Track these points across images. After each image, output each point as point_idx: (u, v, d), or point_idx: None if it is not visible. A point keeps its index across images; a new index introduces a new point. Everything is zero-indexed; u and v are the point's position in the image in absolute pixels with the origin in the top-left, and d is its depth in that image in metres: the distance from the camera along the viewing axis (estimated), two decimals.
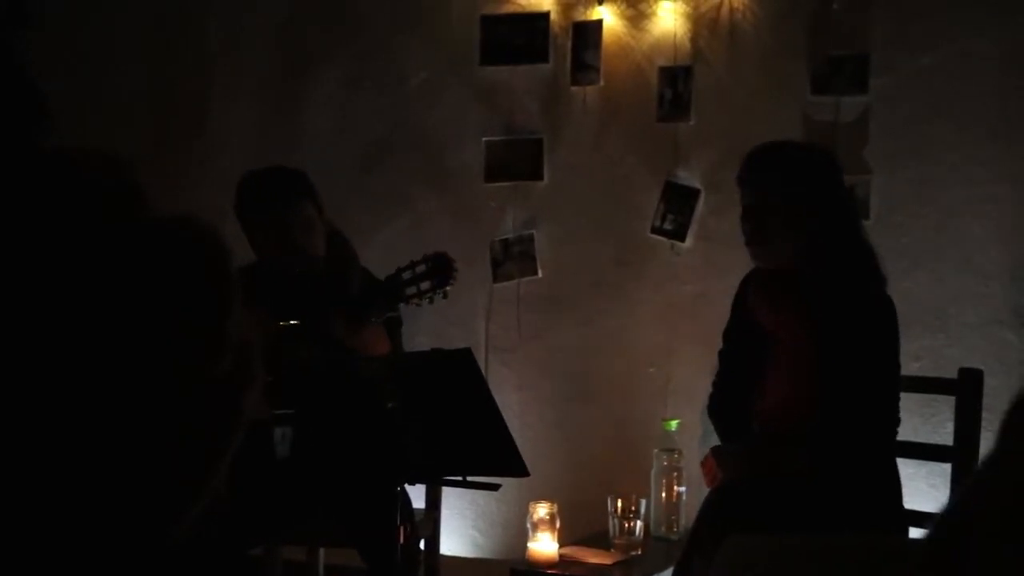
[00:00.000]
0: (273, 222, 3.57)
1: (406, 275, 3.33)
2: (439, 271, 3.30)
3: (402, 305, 3.48)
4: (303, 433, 3.22)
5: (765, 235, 3.43)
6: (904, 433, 3.57)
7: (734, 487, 3.41)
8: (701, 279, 4.39)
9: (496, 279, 4.71)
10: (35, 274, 0.73)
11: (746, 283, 3.62)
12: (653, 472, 4.17)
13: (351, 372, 3.26)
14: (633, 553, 3.86)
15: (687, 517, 3.98)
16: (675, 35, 4.48)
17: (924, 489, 3.96)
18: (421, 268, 3.32)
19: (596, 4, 4.57)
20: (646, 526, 3.97)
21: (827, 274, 3.37)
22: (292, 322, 3.43)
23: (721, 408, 3.63)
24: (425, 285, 3.30)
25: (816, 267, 3.38)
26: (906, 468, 3.52)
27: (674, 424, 4.21)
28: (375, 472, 3.24)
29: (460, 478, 3.09)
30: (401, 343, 3.83)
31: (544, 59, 4.65)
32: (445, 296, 3.33)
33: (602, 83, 4.57)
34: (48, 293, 0.73)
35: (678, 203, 4.50)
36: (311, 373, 3.26)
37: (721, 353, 3.65)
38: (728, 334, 3.63)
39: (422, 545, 3.98)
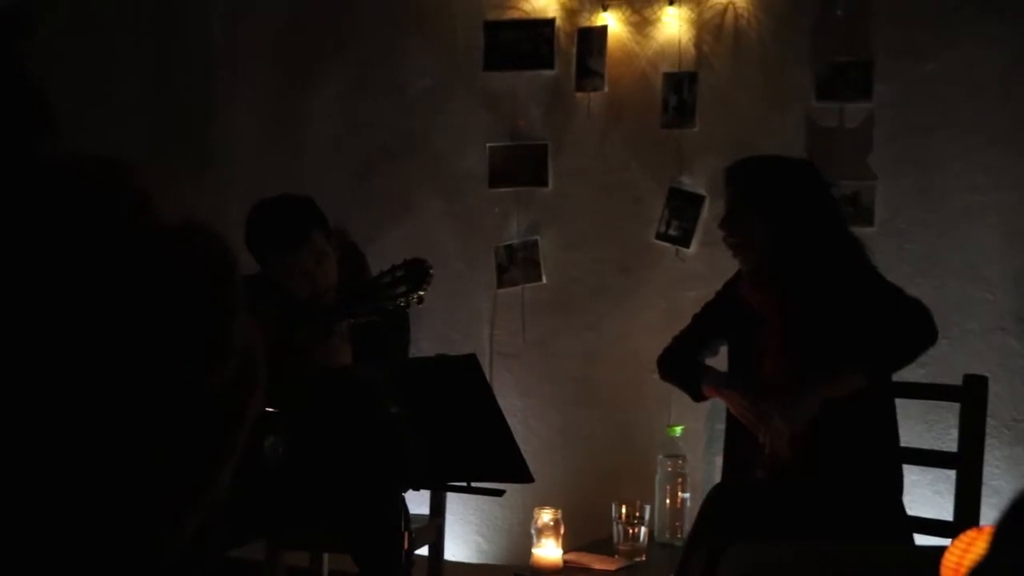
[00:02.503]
0: (284, 259, 3.62)
1: (385, 279, 3.38)
2: (414, 276, 3.34)
3: (391, 309, 3.51)
4: (305, 437, 3.23)
5: (738, 240, 3.53)
6: (908, 440, 3.57)
7: (733, 490, 3.42)
8: (706, 285, 4.38)
9: (500, 285, 4.72)
10: (41, 280, 0.73)
11: (731, 285, 3.69)
12: (657, 478, 4.16)
13: (355, 378, 3.26)
14: (637, 559, 3.86)
15: (691, 523, 3.97)
16: (679, 41, 4.48)
17: (928, 496, 3.96)
18: (399, 272, 3.36)
19: (601, 10, 4.57)
20: (650, 532, 3.97)
21: (813, 263, 3.44)
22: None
23: (673, 359, 3.75)
24: (401, 289, 3.34)
25: (801, 260, 3.45)
26: (910, 475, 3.52)
27: (678, 430, 4.21)
28: (378, 478, 3.24)
29: (464, 484, 3.09)
30: (406, 350, 3.85)
31: (548, 65, 4.65)
32: (420, 301, 3.36)
33: (606, 89, 4.58)
34: (53, 299, 0.73)
35: (683, 209, 4.50)
36: (314, 377, 3.27)
37: (695, 315, 3.75)
38: (708, 305, 3.73)
39: (425, 551, 3.98)
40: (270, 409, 3.05)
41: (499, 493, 3.10)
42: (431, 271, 3.36)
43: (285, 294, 3.62)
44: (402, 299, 3.35)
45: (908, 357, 3.39)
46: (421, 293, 3.34)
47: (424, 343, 4.54)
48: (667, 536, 4.10)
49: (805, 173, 3.56)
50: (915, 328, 3.35)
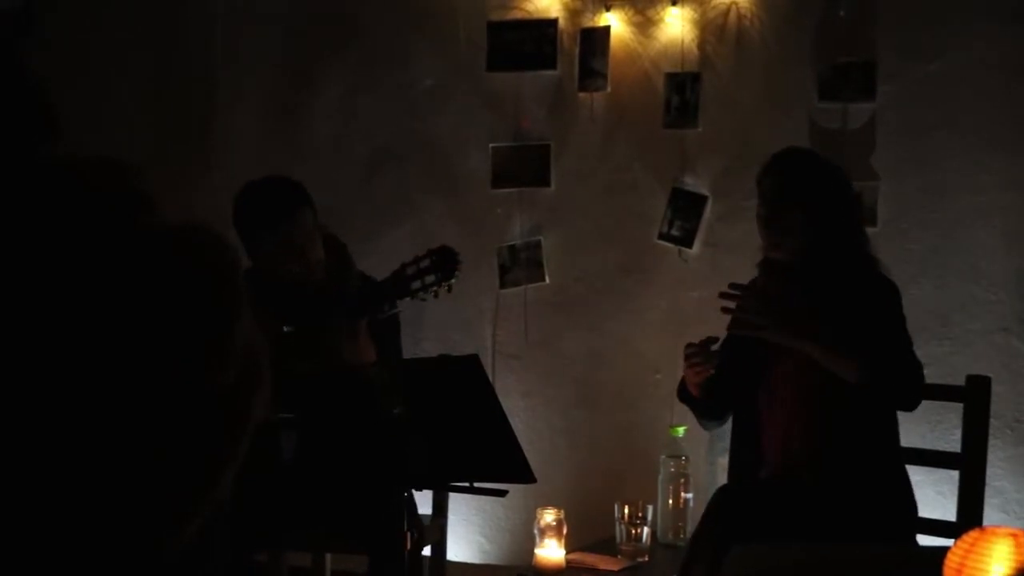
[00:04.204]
0: (275, 235, 3.58)
1: (410, 270, 3.33)
2: (444, 264, 3.30)
3: (407, 302, 3.48)
4: (310, 438, 3.22)
5: (779, 230, 3.49)
6: (911, 440, 3.57)
7: (738, 491, 3.42)
8: (708, 285, 4.38)
9: (503, 285, 4.72)
10: (45, 282, 0.73)
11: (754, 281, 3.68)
12: (660, 478, 4.16)
13: (357, 377, 3.26)
14: (640, 559, 3.86)
15: (694, 523, 3.97)
16: (682, 42, 4.48)
17: (932, 496, 3.95)
18: (425, 262, 3.31)
19: (604, 10, 4.57)
20: (653, 532, 3.97)
21: (831, 268, 3.45)
22: (293, 328, 3.44)
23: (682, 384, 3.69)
24: (430, 279, 3.30)
25: (821, 263, 3.45)
26: (914, 475, 3.51)
27: (681, 430, 4.21)
28: (382, 477, 3.24)
29: (467, 484, 3.09)
30: (400, 348, 3.82)
31: (551, 65, 4.65)
32: (450, 290, 3.32)
33: (609, 89, 4.57)
34: (57, 300, 0.73)
35: (685, 209, 4.50)
36: (317, 381, 3.26)
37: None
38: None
39: (428, 551, 3.98)
40: (277, 409, 3.05)
41: (502, 493, 3.10)
42: (460, 258, 3.32)
43: (284, 288, 3.58)
44: (433, 288, 3.31)
45: (885, 398, 3.39)
46: (452, 282, 3.31)
47: (426, 343, 4.55)
48: (670, 536, 4.10)
49: (843, 175, 3.58)
50: (907, 387, 3.35)
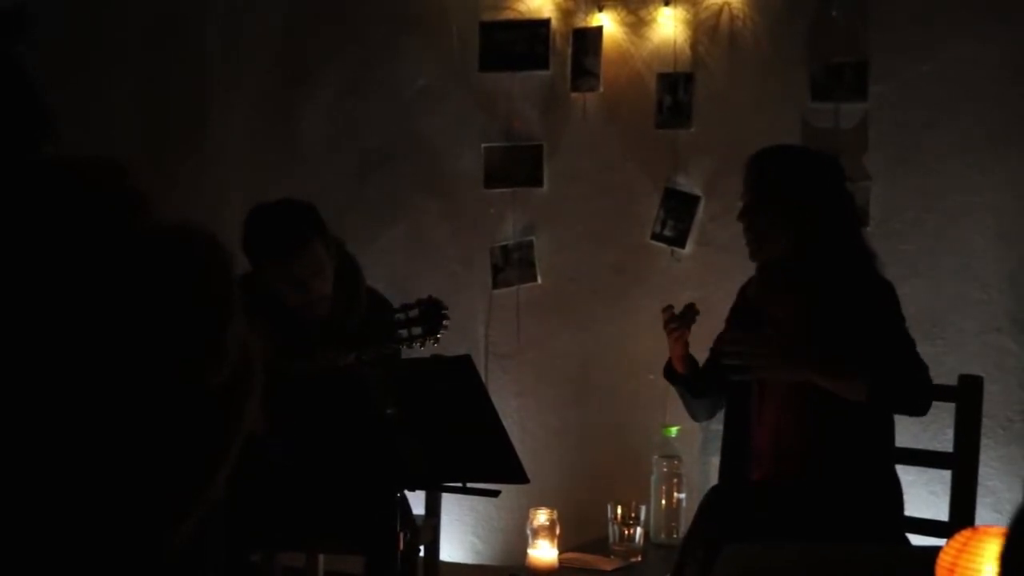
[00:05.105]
0: (280, 268, 3.56)
1: (399, 317, 3.32)
2: (430, 318, 3.30)
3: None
4: (303, 441, 3.22)
5: (758, 232, 3.46)
6: (904, 440, 3.57)
7: (730, 491, 3.42)
8: (701, 285, 4.39)
9: (496, 285, 4.71)
10: (38, 283, 0.73)
11: (743, 291, 3.66)
12: (653, 478, 4.17)
13: (350, 379, 3.26)
14: (633, 560, 3.86)
15: (687, 523, 3.97)
16: (675, 42, 4.49)
17: (924, 496, 3.96)
18: (414, 313, 3.31)
19: (596, 11, 4.58)
20: (646, 532, 3.97)
21: (826, 266, 3.41)
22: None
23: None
24: (416, 331, 3.31)
25: (814, 261, 3.41)
26: (906, 475, 3.52)
27: (674, 431, 4.21)
28: (375, 478, 3.24)
29: (460, 484, 3.09)
30: None
31: (544, 66, 4.65)
32: (436, 342, 3.33)
33: (602, 90, 4.58)
34: (50, 301, 0.73)
35: (678, 210, 4.50)
36: (309, 382, 3.26)
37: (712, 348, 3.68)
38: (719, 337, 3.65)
39: (422, 551, 3.98)
40: (269, 410, 3.04)
41: (494, 494, 3.10)
42: (447, 313, 3.32)
43: (292, 314, 3.57)
44: (419, 340, 3.31)
45: (894, 410, 3.39)
46: (438, 336, 3.32)
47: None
48: (663, 536, 4.11)
49: (831, 169, 3.50)
50: (915, 395, 3.34)
